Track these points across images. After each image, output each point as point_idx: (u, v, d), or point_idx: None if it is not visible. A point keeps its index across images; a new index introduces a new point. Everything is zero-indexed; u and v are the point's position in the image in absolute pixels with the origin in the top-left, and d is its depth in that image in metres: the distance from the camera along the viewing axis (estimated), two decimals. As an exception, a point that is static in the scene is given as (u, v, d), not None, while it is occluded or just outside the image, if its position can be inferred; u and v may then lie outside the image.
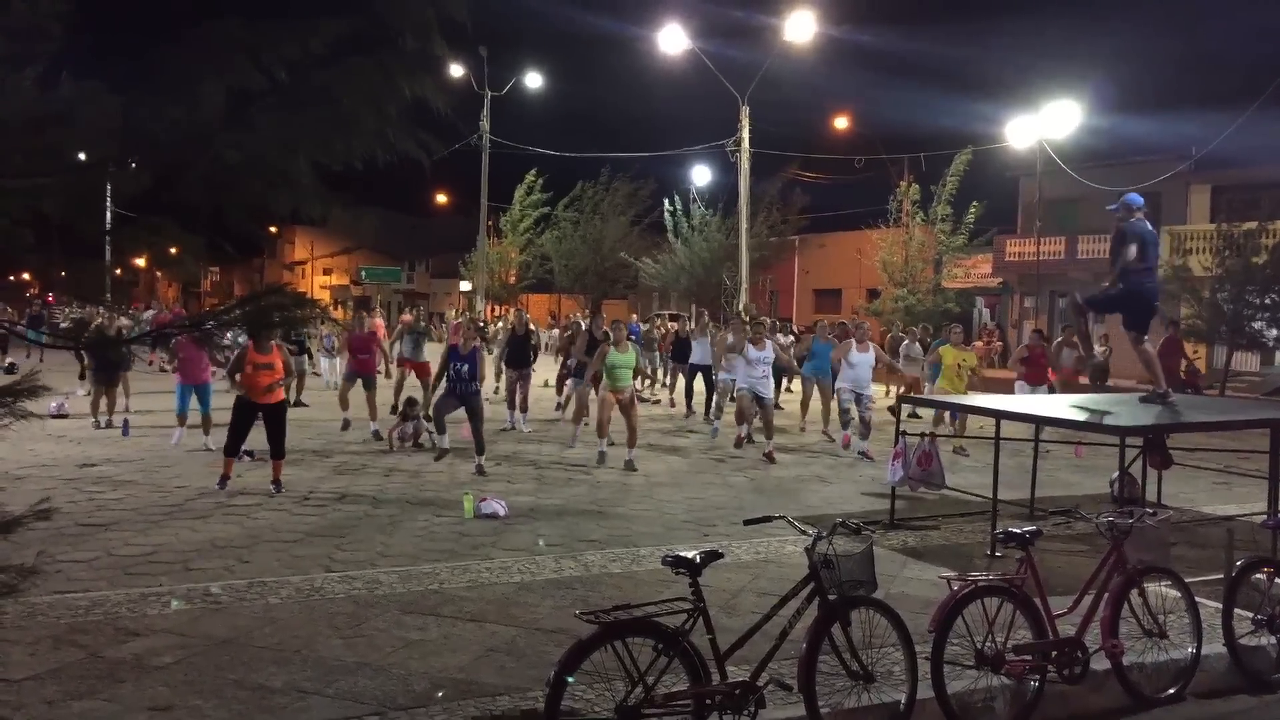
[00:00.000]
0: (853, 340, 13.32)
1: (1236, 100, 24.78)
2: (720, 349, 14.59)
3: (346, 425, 13.72)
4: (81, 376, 15.63)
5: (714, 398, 15.46)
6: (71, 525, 8.06)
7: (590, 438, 12.58)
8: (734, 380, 13.48)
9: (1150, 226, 8.67)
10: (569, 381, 14.33)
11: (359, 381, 13.74)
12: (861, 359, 13.04)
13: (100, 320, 14.83)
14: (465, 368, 11.08)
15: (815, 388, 15.10)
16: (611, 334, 12.13)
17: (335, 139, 2.92)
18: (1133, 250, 8.28)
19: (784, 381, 18.13)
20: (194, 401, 12.28)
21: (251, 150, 2.87)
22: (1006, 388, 15.26)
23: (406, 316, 18.26)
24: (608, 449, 12.02)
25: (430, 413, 11.76)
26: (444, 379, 11.28)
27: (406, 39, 2.85)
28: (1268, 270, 22.00)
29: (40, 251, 3.23)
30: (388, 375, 14.69)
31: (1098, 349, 15.63)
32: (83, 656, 5.24)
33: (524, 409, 14.74)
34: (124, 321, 14.00)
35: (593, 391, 13.39)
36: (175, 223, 3.19)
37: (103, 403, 13.76)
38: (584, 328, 15.02)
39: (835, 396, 13.75)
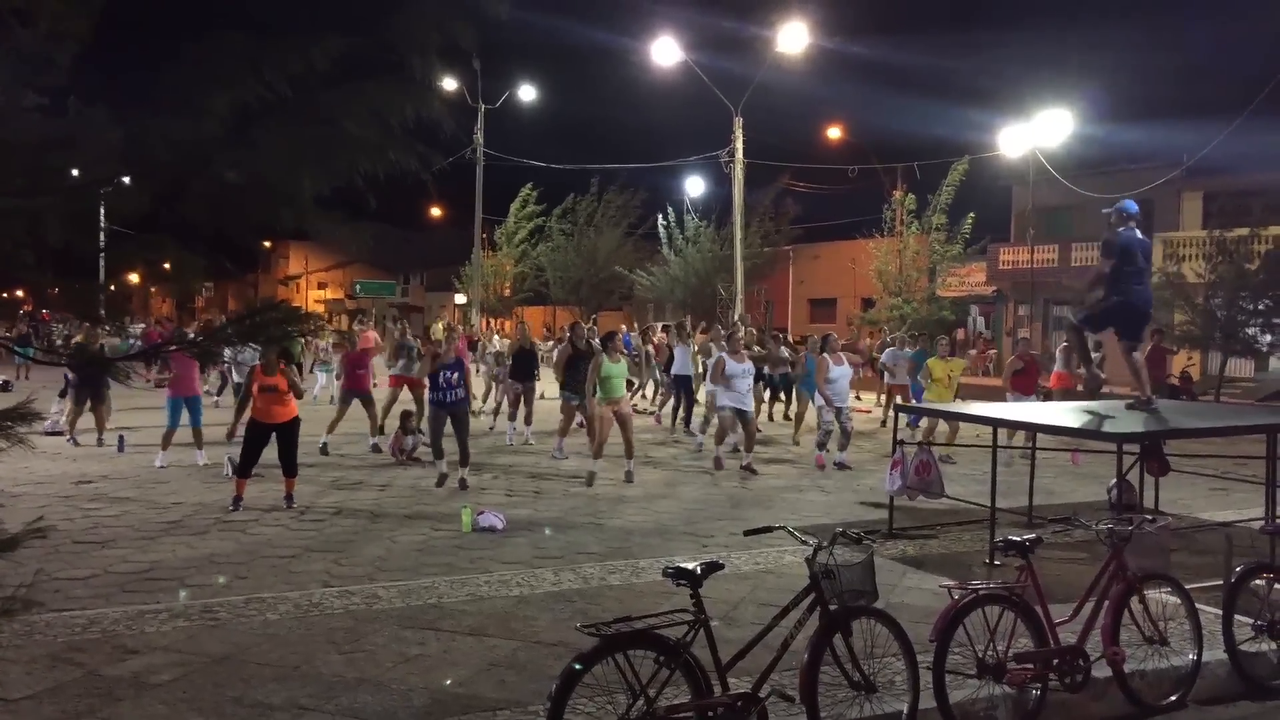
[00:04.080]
0: (828, 357, 12.95)
1: (1228, 107, 24.97)
2: (708, 362, 14.21)
3: (325, 449, 13.11)
4: (63, 394, 15.47)
5: (693, 408, 15.26)
6: (68, 543, 8.03)
7: (582, 449, 12.53)
8: (717, 394, 12.95)
9: (1139, 234, 8.58)
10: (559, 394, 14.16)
11: (355, 401, 13.55)
12: (839, 373, 12.85)
13: (80, 336, 14.43)
14: (455, 375, 11.04)
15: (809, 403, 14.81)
16: (600, 343, 12.04)
17: (337, 158, 2.91)
18: (1107, 266, 8.27)
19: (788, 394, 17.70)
20: (184, 417, 12.11)
21: (252, 169, 2.87)
22: (998, 396, 15.21)
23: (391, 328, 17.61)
24: (598, 469, 11.64)
25: (426, 434, 11.65)
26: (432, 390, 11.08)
27: (413, 62, 2.85)
28: (1261, 276, 22.05)
29: (36, 269, 3.23)
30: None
31: (1094, 355, 15.63)
32: (81, 675, 5.21)
33: (528, 421, 14.73)
34: (113, 341, 13.73)
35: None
36: (174, 240, 3.18)
37: (81, 421, 13.63)
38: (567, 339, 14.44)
39: (818, 414, 13.24)
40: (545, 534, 8.77)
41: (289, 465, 9.80)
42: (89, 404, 13.65)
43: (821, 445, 12.93)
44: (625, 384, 12.24)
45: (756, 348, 16.13)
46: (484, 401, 19.10)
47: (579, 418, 13.79)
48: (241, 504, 9.52)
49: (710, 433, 13.61)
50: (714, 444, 12.97)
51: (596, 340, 14.21)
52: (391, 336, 14.90)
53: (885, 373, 17.57)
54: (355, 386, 13.71)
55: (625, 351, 13.36)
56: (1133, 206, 8.49)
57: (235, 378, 13.61)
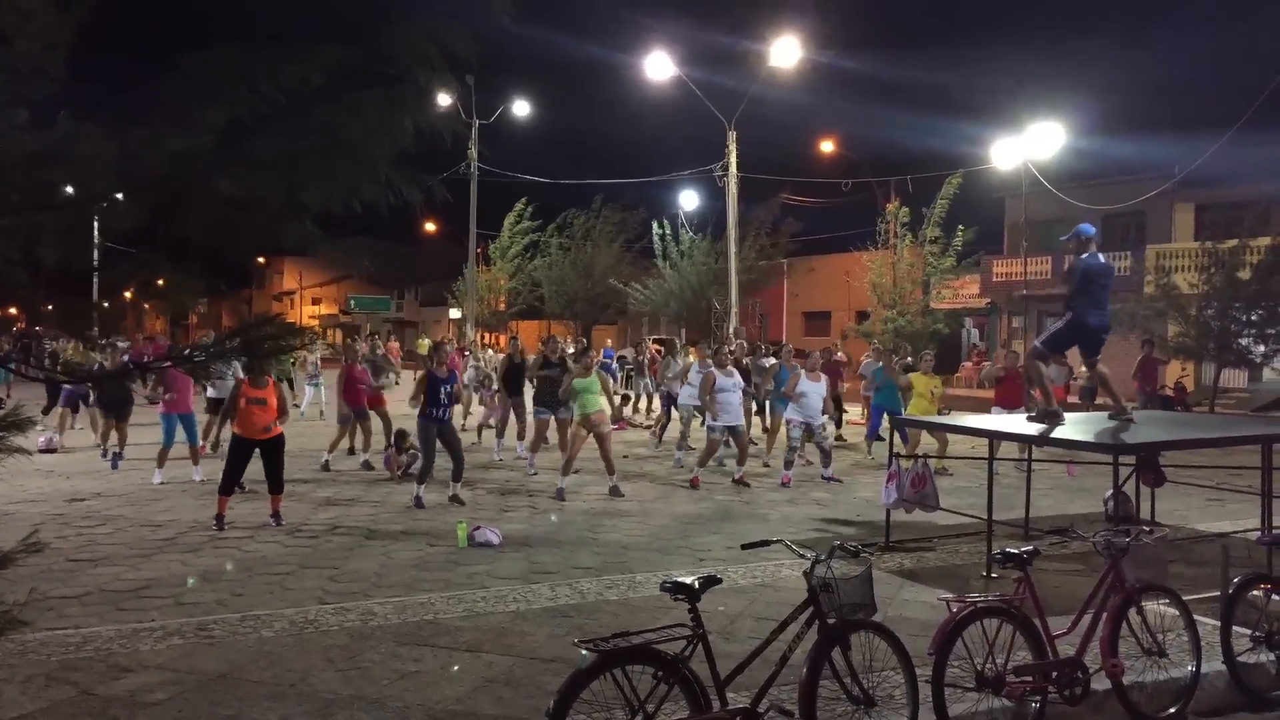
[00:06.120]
0: (802, 371, 12.86)
1: (1219, 120, 25.10)
2: (701, 378, 13.61)
3: (327, 466, 13.19)
4: (45, 412, 15.49)
5: (670, 424, 15.15)
6: (61, 561, 7.99)
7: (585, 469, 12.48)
8: (696, 406, 12.79)
9: (1102, 260, 8.62)
10: (529, 410, 14.03)
11: (353, 417, 13.70)
12: (813, 388, 12.66)
13: (70, 353, 14.48)
14: (450, 388, 10.96)
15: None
16: (573, 358, 11.97)
17: (336, 174, 2.90)
18: (1070, 289, 8.39)
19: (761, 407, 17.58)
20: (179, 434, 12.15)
21: (249, 185, 2.86)
22: (988, 408, 15.12)
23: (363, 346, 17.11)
24: (566, 485, 11.44)
25: (417, 447, 11.49)
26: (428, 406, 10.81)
27: (410, 73, 2.85)
28: (1253, 286, 22.14)
29: (29, 286, 3.22)
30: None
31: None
32: (75, 694, 5.18)
33: (521, 436, 14.68)
34: (93, 356, 13.60)
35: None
36: (168, 257, 3.17)
37: (111, 435, 13.72)
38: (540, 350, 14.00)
39: (785, 428, 12.99)
40: (541, 544, 8.73)
41: (276, 482, 9.76)
42: (115, 420, 13.63)
43: (789, 465, 12.65)
44: (623, 398, 12.17)
45: (747, 360, 16.07)
46: (464, 418, 18.97)
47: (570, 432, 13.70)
48: (224, 522, 9.45)
49: (693, 450, 13.28)
50: (696, 463, 12.68)
51: (570, 353, 14.07)
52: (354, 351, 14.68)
53: (865, 383, 17.79)
54: (359, 402, 13.74)
55: (607, 371, 13.28)
56: (1089, 230, 8.56)
57: (211, 392, 13.50)
